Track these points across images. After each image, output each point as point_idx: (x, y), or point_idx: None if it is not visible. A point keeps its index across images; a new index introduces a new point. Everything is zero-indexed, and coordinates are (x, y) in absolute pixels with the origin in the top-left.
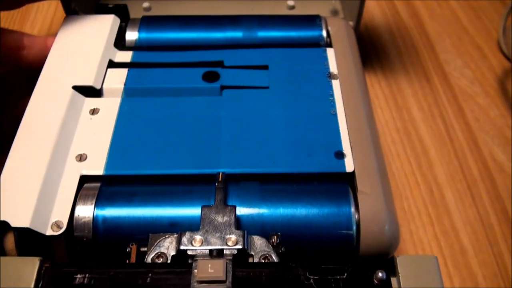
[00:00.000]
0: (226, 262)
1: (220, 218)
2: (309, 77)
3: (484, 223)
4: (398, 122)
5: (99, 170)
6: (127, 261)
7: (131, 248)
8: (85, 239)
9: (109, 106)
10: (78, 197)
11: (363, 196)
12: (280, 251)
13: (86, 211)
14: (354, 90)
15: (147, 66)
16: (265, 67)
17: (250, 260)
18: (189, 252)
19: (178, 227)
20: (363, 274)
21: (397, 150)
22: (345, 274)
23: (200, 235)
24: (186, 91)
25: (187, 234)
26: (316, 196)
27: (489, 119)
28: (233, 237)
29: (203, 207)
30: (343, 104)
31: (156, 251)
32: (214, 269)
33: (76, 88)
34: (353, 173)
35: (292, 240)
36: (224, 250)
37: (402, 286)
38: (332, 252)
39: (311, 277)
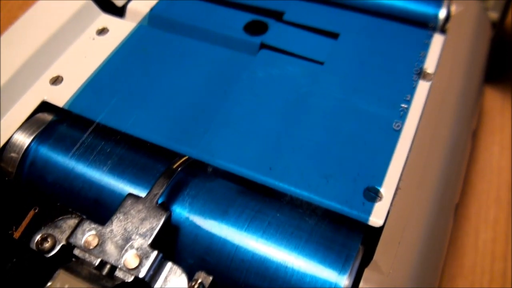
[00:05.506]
0: None
1: (138, 221)
2: (388, 65)
3: None
4: None
5: (61, 102)
6: (14, 229)
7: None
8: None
9: (121, 30)
10: (22, 124)
11: (373, 273)
12: None
13: (21, 140)
14: (451, 103)
15: None
16: (334, 35)
17: None
18: (76, 253)
19: (102, 206)
20: None
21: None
22: None
23: (101, 233)
24: (217, 38)
25: (86, 224)
26: (298, 242)
27: None
28: (137, 256)
29: (128, 195)
30: (421, 118)
31: (47, 232)
32: None
33: None
34: (380, 229)
35: None
36: (117, 271)
37: None
38: None
39: None
